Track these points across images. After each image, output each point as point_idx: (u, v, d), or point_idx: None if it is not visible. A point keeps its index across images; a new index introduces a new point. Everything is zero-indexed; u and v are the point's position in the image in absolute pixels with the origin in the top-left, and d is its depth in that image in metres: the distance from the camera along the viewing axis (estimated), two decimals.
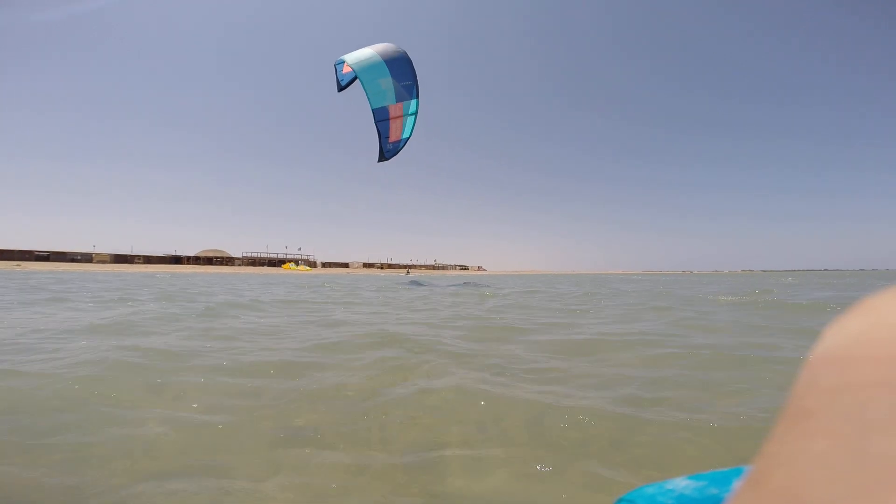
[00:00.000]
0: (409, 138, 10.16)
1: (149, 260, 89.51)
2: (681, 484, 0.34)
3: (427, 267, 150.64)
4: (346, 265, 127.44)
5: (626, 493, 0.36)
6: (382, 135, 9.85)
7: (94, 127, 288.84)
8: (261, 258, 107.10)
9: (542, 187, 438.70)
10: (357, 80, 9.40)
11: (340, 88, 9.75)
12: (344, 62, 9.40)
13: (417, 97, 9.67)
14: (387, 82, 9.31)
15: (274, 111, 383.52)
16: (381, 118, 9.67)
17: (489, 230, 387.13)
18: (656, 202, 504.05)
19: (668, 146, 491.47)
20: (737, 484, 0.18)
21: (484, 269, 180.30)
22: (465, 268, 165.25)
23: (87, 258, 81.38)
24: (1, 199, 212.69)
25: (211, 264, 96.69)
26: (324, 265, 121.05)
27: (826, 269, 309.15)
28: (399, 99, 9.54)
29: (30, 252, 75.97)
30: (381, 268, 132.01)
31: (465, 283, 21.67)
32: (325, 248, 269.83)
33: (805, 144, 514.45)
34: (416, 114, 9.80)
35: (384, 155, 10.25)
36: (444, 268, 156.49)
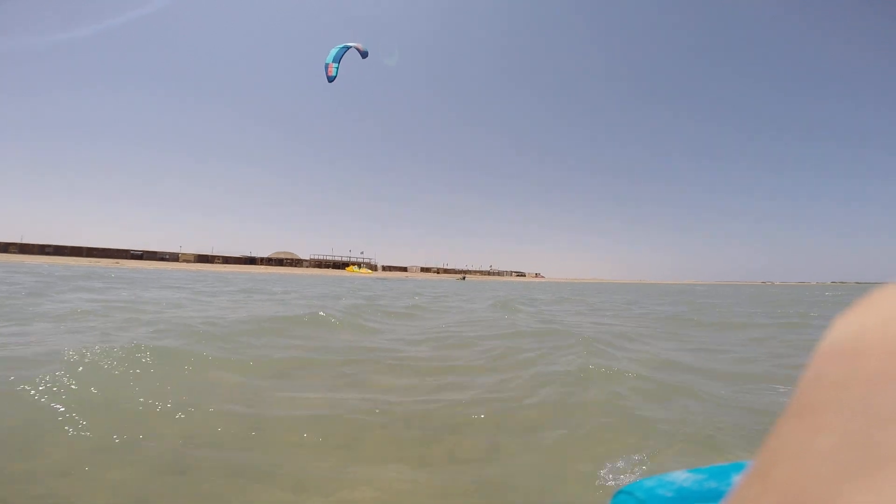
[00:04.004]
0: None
1: (227, 260, 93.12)
2: (680, 477, 0.34)
3: (482, 272, 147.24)
4: (404, 269, 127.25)
5: (625, 486, 0.36)
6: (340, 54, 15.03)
7: (185, 125, 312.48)
8: (326, 261, 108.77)
9: (610, 194, 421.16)
10: (336, 76, 14.72)
11: (330, 80, 14.35)
12: (328, 64, 14.42)
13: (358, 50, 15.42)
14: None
15: (353, 120, 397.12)
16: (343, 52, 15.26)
17: (549, 237, 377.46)
18: (731, 209, 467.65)
19: (741, 147, 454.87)
20: (737, 478, 0.17)
21: (542, 276, 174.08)
22: (521, 274, 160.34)
23: (174, 257, 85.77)
24: (100, 195, 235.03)
25: (282, 265, 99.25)
26: (384, 269, 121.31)
27: None
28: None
29: (126, 251, 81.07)
30: (438, 272, 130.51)
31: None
32: (385, 251, 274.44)
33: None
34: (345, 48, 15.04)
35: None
36: (499, 273, 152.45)
